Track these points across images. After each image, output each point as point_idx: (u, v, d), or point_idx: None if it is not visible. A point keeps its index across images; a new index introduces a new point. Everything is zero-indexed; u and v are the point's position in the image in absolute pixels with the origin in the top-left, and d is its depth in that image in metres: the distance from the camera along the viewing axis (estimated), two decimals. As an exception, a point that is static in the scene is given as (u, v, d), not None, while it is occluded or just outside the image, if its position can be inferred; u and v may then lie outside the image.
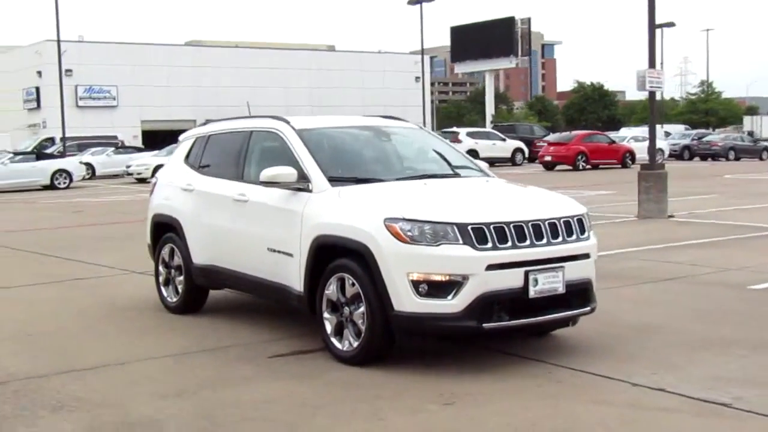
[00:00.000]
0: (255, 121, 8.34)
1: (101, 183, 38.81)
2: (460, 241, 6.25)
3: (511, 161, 45.03)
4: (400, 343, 6.74)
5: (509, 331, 6.64)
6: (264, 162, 7.73)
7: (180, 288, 8.73)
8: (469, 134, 45.19)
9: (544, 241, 6.52)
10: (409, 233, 6.28)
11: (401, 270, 6.27)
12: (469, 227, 6.29)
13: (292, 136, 7.56)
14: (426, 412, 5.61)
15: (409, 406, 5.73)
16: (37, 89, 60.70)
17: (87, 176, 39.60)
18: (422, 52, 60.06)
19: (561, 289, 6.55)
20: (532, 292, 6.40)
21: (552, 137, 43.57)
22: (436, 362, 6.73)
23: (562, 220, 6.68)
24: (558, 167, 39.25)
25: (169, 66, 63.65)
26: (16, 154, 36.18)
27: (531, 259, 6.42)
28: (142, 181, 37.31)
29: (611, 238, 14.00)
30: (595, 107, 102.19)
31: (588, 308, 6.86)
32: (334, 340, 6.78)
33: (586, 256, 6.80)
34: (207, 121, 9.34)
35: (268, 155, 7.82)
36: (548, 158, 39.65)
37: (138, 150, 45.09)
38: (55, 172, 34.99)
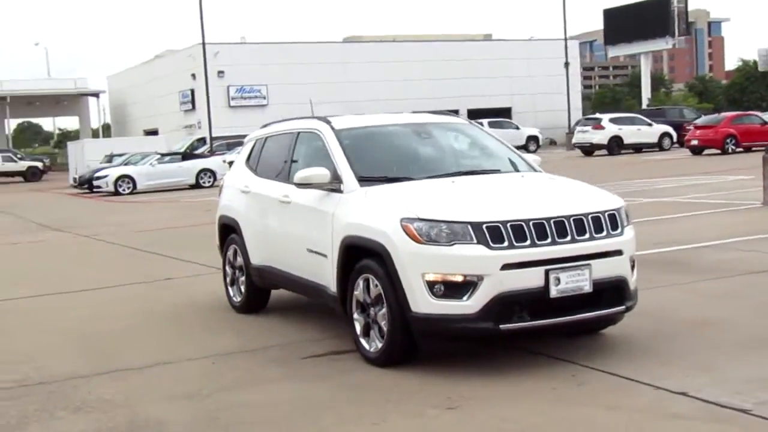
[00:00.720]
0: (302, 123, 8.40)
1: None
2: (474, 241, 6.11)
3: (658, 146, 43.47)
4: (428, 344, 6.65)
5: (531, 332, 6.42)
6: (307, 163, 7.79)
7: (242, 288, 8.91)
8: (613, 120, 43.84)
9: (568, 238, 6.27)
10: (423, 233, 6.18)
11: (416, 270, 6.18)
12: (484, 226, 6.12)
13: (330, 137, 7.59)
14: (426, 416, 5.51)
15: (413, 410, 5.64)
16: (192, 91, 63.17)
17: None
18: (565, 35, 59.08)
19: (588, 288, 6.28)
20: (554, 292, 6.17)
21: (700, 120, 41.71)
22: (453, 363, 6.57)
23: (590, 216, 6.40)
24: (706, 151, 37.60)
25: (318, 63, 64.78)
26: (163, 155, 37.74)
27: (552, 257, 6.18)
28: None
29: (722, 227, 13.37)
30: (758, 86, 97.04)
31: (622, 307, 6.55)
32: (362, 341, 6.76)
33: (618, 252, 6.49)
34: (267, 124, 9.47)
35: (310, 156, 7.86)
36: (695, 142, 38.02)
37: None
38: (199, 172, 36.36)
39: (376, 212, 6.57)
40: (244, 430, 5.48)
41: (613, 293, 6.51)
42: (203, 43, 48.20)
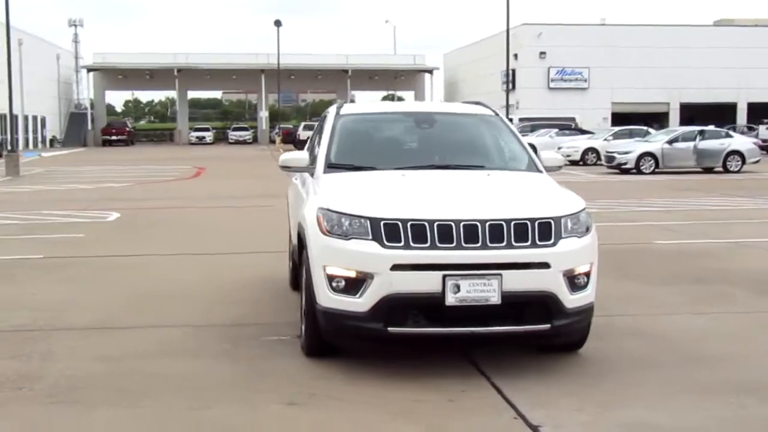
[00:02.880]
0: (332, 107, 8.47)
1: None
2: (369, 237, 5.92)
3: None
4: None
5: (425, 340, 6.09)
6: (314, 145, 7.91)
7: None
8: None
9: (478, 244, 5.85)
10: (328, 225, 6.11)
11: (320, 262, 6.12)
12: (382, 223, 5.91)
13: (329, 121, 7.66)
14: (265, 411, 5.48)
15: (261, 400, 5.64)
16: (513, 71, 63.45)
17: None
18: None
19: (495, 300, 5.85)
20: (451, 300, 5.82)
21: None
22: (381, 364, 6.40)
23: (513, 223, 5.92)
24: None
25: (644, 47, 62.35)
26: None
27: (452, 262, 5.82)
28: (573, 163, 37.57)
29: None
30: None
31: (545, 326, 5.99)
32: (302, 328, 6.78)
33: (543, 265, 5.93)
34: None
35: (319, 140, 7.94)
36: None
37: (582, 132, 45.19)
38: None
39: (311, 200, 6.57)
40: (109, 393, 5.77)
41: (535, 309, 5.97)
42: (508, 29, 47.93)
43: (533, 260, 5.93)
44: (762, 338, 7.26)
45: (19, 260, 11.59)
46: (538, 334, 6.08)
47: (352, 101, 8.35)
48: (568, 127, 47.80)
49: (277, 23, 65.63)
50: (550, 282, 5.97)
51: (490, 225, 5.90)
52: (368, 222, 5.94)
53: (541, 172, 7.22)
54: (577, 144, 38.96)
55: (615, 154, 32.42)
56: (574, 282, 6.12)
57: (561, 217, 6.09)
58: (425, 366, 6.31)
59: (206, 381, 6.03)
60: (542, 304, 5.99)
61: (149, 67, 75.70)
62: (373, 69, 79.01)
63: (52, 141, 72.17)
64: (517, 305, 5.95)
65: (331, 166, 7.11)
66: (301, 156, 7.36)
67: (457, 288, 5.81)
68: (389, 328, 5.89)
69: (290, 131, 63.74)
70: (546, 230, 5.99)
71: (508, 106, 47.25)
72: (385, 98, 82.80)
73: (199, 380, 6.05)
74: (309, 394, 5.73)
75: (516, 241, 5.92)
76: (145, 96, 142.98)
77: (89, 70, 76.08)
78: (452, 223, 5.87)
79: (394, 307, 5.87)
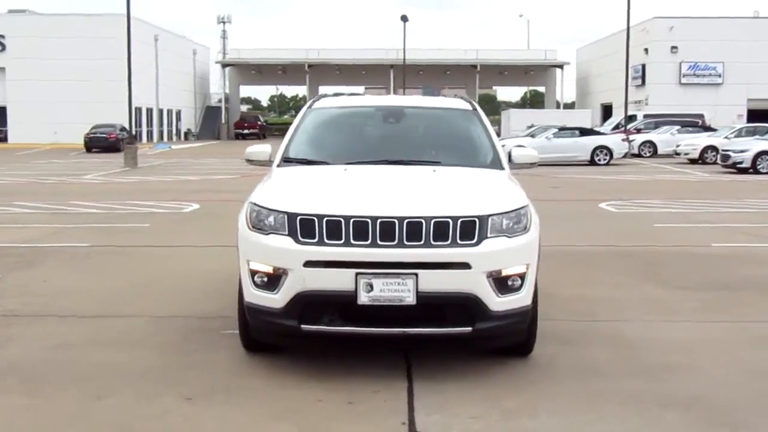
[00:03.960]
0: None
1: (647, 162, 38.43)
2: (285, 232, 5.83)
3: None
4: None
5: (340, 339, 5.95)
6: None
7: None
8: None
9: (395, 242, 5.67)
10: (252, 219, 6.06)
11: (244, 257, 6.08)
12: (298, 218, 5.81)
13: (300, 115, 7.63)
14: (154, 404, 5.46)
15: (160, 392, 5.65)
16: (643, 66, 61.60)
17: (643, 154, 39.96)
18: None
19: (410, 300, 5.65)
20: (364, 299, 5.66)
21: None
22: (300, 357, 6.32)
23: (434, 221, 5.70)
24: None
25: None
26: (561, 129, 37.68)
27: (365, 260, 5.66)
28: (693, 162, 36.24)
29: None
30: None
31: (467, 329, 5.75)
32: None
33: (464, 265, 5.69)
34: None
35: None
36: None
37: (707, 130, 43.38)
38: (595, 149, 35.78)
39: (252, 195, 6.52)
40: (33, 382, 5.90)
41: (455, 311, 5.74)
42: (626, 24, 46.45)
43: (452, 260, 5.70)
44: (742, 350, 6.76)
45: (62, 248, 12.01)
46: (459, 337, 5.83)
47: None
48: (693, 124, 45.98)
49: (404, 18, 65.68)
50: (472, 283, 5.72)
51: (408, 223, 5.70)
52: (285, 217, 5.85)
53: (502, 169, 6.94)
54: (696, 142, 37.46)
55: (730, 153, 30.96)
56: (504, 284, 5.85)
57: (488, 215, 5.82)
58: (358, 365, 6.16)
59: (126, 371, 6.08)
60: (463, 306, 5.74)
61: (282, 62, 77.26)
62: (503, 64, 78.10)
63: (186, 134, 74.71)
64: (435, 306, 5.73)
65: (286, 160, 7.09)
66: (264, 149, 7.33)
67: (370, 287, 5.64)
68: (302, 326, 5.78)
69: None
70: (469, 229, 5.74)
71: (627, 102, 45.77)
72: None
73: (120, 370, 6.10)
74: (212, 388, 5.69)
75: (435, 240, 5.70)
76: (290, 91, 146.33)
77: (224, 65, 78.32)
78: (368, 220, 5.71)
79: (307, 304, 5.75)
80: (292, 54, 76.45)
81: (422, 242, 5.67)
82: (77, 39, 58.66)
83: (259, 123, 76.56)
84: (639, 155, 41.33)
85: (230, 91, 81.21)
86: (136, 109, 59.33)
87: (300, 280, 5.73)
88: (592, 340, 7.02)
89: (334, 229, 5.71)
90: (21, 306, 8.15)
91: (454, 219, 5.74)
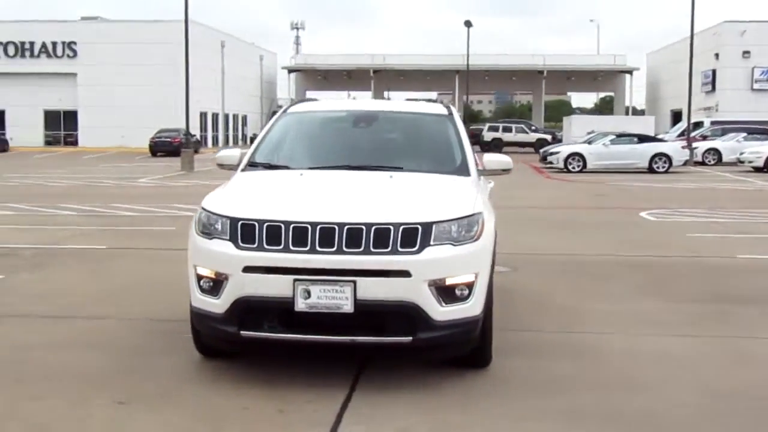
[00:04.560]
0: None
1: (710, 170, 37.49)
2: (227, 237, 5.76)
3: None
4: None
5: (280, 346, 5.84)
6: None
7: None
8: None
9: (333, 248, 5.55)
10: (199, 224, 6.01)
11: (191, 261, 6.03)
12: (240, 223, 5.73)
13: (273, 119, 7.58)
14: (83, 407, 5.43)
15: (94, 396, 5.60)
16: (713, 72, 60.24)
17: (707, 161, 39.08)
18: None
19: (348, 308, 5.52)
20: (302, 305, 5.55)
21: None
22: (254, 362, 6.25)
23: (375, 228, 5.56)
24: None
25: None
26: (619, 136, 36.99)
27: (303, 267, 5.55)
28: (758, 170, 35.20)
29: None
30: None
31: (406, 339, 5.58)
32: None
33: (404, 273, 5.53)
34: None
35: None
36: None
37: (777, 137, 42.04)
38: (654, 156, 35.03)
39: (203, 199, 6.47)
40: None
41: (395, 320, 5.60)
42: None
43: (391, 268, 5.54)
44: (718, 367, 6.47)
45: (77, 250, 12.18)
46: (398, 347, 5.67)
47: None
48: (762, 131, 44.61)
49: (467, 24, 65.39)
50: (412, 292, 5.55)
51: (348, 229, 5.57)
52: (228, 222, 5.79)
53: (468, 175, 6.76)
54: (761, 149, 36.31)
55: (791, 161, 29.99)
56: (449, 293, 5.67)
57: (433, 222, 5.65)
58: (309, 373, 6.05)
59: (71, 374, 6.06)
60: (403, 315, 5.58)
61: (347, 67, 77.65)
62: (571, 70, 77.17)
63: (252, 138, 75.51)
64: (374, 315, 5.58)
65: (251, 165, 7.04)
66: (233, 153, 7.29)
67: (308, 294, 5.53)
68: (242, 332, 5.69)
69: (475, 133, 63.37)
70: (411, 236, 5.59)
71: (690, 108, 44.65)
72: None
73: (66, 373, 6.10)
74: (148, 393, 5.64)
75: (375, 247, 5.55)
76: (364, 97, 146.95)
77: (290, 70, 79.02)
78: (308, 226, 5.60)
79: (247, 310, 5.67)
80: (357, 60, 76.78)
81: (362, 249, 5.54)
82: (145, 45, 59.77)
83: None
84: (703, 163, 40.32)
85: (296, 96, 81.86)
86: (201, 114, 60.38)
87: (239, 286, 5.65)
88: (564, 353, 6.79)
89: (274, 234, 5.62)
90: (5, 306, 8.23)
91: (396, 226, 5.59)
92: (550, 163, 36.31)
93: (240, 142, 72.01)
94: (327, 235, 5.56)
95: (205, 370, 6.18)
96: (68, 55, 61.92)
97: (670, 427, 5.21)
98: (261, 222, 5.67)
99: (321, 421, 5.17)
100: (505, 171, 7.16)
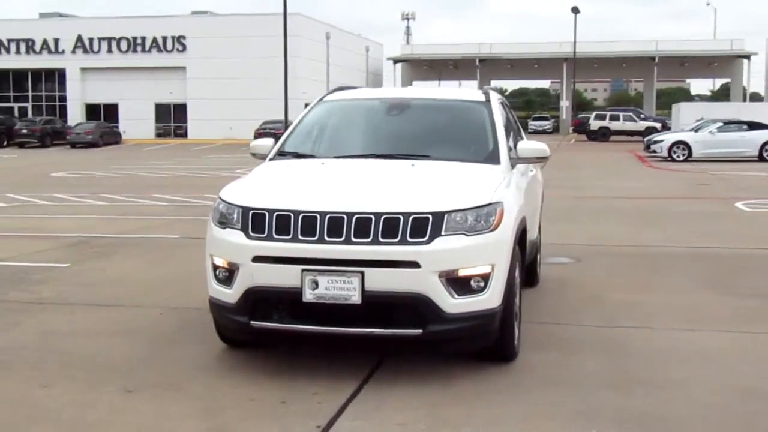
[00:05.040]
0: None
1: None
2: (239, 227, 5.74)
3: None
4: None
5: (290, 337, 5.79)
6: None
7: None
8: None
9: (341, 238, 5.47)
10: (216, 213, 6.01)
11: (208, 251, 6.05)
12: (251, 213, 5.71)
13: (308, 107, 7.54)
14: (91, 394, 5.49)
15: (103, 384, 5.66)
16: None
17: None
18: None
19: (356, 299, 5.43)
20: (309, 296, 5.48)
21: None
22: (270, 352, 6.23)
23: (384, 217, 5.45)
24: None
25: None
26: (727, 123, 35.62)
27: (311, 257, 5.48)
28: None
29: None
30: None
31: (416, 331, 5.45)
32: None
33: (413, 264, 5.40)
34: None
35: None
36: None
37: None
38: (765, 144, 33.68)
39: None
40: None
41: (405, 312, 5.47)
42: None
43: (400, 258, 5.41)
44: (752, 364, 6.11)
45: (148, 239, 12.48)
46: (408, 339, 5.54)
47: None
48: None
49: (575, 10, 64.25)
50: (421, 283, 5.42)
51: (357, 219, 5.47)
52: (240, 211, 5.77)
53: (497, 164, 6.55)
54: None
55: None
56: (462, 285, 5.51)
57: (445, 212, 5.49)
58: (327, 363, 5.99)
59: (93, 361, 6.16)
60: (413, 307, 5.45)
61: (453, 57, 77.30)
62: (684, 55, 74.82)
63: (358, 129, 75.89)
64: (382, 306, 5.47)
65: (280, 154, 7.00)
66: (265, 143, 7.26)
67: (315, 284, 5.46)
68: (252, 322, 5.67)
69: (582, 121, 62.18)
70: (421, 226, 5.45)
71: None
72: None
73: (87, 360, 6.19)
74: (160, 382, 5.67)
75: (384, 237, 5.44)
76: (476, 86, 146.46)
77: (395, 61, 79.10)
78: (317, 215, 5.52)
79: (257, 300, 5.64)
80: (463, 49, 76.35)
81: (370, 239, 5.43)
82: (250, 38, 60.74)
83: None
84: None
85: (404, 87, 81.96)
86: (306, 105, 60.98)
87: (249, 276, 5.62)
88: (596, 348, 6.54)
89: (283, 224, 5.57)
90: (54, 294, 8.45)
91: (406, 215, 5.46)
92: (654, 152, 35.32)
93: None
94: (335, 225, 5.47)
95: (225, 360, 6.19)
96: (178, 50, 63.54)
97: (686, 428, 4.93)
98: (271, 211, 5.62)
99: (320, 414, 5.09)
100: (541, 159, 6.92)
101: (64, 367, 6.03)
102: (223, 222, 5.86)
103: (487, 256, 5.60)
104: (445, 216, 5.48)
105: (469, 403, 5.29)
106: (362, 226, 5.44)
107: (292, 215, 5.56)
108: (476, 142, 6.88)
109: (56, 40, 64.41)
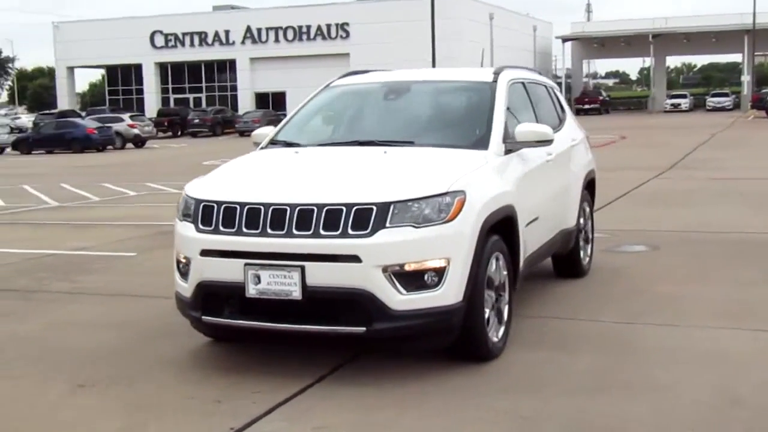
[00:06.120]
0: None
1: None
2: (191, 219, 5.62)
3: None
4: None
5: (240, 333, 5.63)
6: None
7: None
8: None
9: (283, 231, 5.24)
10: (180, 207, 5.91)
11: (175, 247, 5.95)
12: (202, 204, 5.56)
13: (313, 94, 7.31)
14: (42, 387, 5.49)
15: (60, 378, 5.65)
16: None
17: None
18: None
19: (297, 295, 5.18)
20: (252, 291, 5.29)
21: None
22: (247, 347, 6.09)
23: (326, 209, 5.17)
24: None
25: None
26: None
27: (253, 250, 5.28)
28: None
29: None
30: None
31: (359, 329, 5.13)
32: None
33: (353, 258, 5.09)
34: None
35: None
36: None
37: None
38: None
39: None
40: None
41: (349, 309, 5.18)
42: None
43: (340, 252, 5.11)
44: (755, 368, 5.42)
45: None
46: (351, 337, 5.22)
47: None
48: None
49: (754, -22, 60.45)
50: (363, 278, 5.09)
51: (299, 210, 5.21)
52: (193, 203, 5.64)
53: (484, 149, 6.09)
54: None
55: None
56: (412, 280, 5.15)
57: (390, 203, 5.13)
58: (296, 359, 5.77)
59: (65, 354, 6.15)
60: (356, 304, 5.14)
61: (625, 33, 74.69)
62: None
63: (526, 111, 74.69)
64: (325, 302, 5.19)
65: (273, 143, 6.82)
66: (265, 132, 7.10)
67: (258, 279, 5.25)
68: (203, 317, 5.54)
69: (761, 96, 58.56)
70: (363, 218, 5.12)
71: None
72: None
73: (61, 352, 6.20)
74: (114, 377, 5.61)
75: (325, 230, 5.15)
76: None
77: (564, 40, 77.18)
78: (261, 207, 5.31)
79: (207, 295, 5.50)
80: (636, 25, 73.63)
81: (311, 232, 5.17)
82: (413, 22, 60.59)
83: (601, 98, 74.50)
84: None
85: (573, 66, 79.99)
86: (468, 88, 60.51)
87: (199, 270, 5.50)
88: (597, 346, 6.02)
89: (230, 216, 5.39)
90: (96, 285, 8.58)
91: (348, 206, 5.15)
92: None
93: (511, 115, 71.49)
94: (278, 217, 5.25)
95: (198, 355, 6.07)
96: (341, 36, 64.50)
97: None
98: (219, 204, 5.46)
99: (245, 414, 4.87)
100: (541, 143, 6.38)
101: (38, 360, 6.06)
102: (185, 215, 5.74)
103: (441, 249, 5.21)
104: (391, 207, 5.14)
105: (403, 408, 4.93)
106: (305, 219, 5.19)
107: (238, 207, 5.37)
108: (468, 127, 6.44)
109: (227, 32, 66.85)
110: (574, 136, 8.15)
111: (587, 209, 8.39)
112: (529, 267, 6.71)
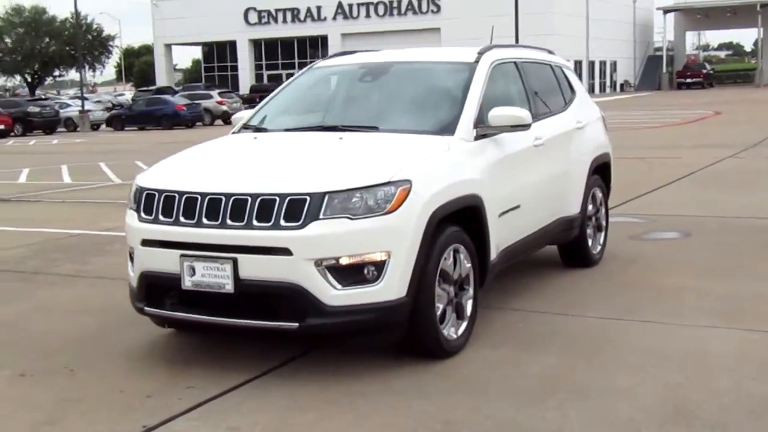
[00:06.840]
0: None
1: None
2: (134, 208, 5.49)
3: None
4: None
5: (182, 326, 5.48)
6: None
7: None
8: None
9: (217, 222, 5.05)
10: (130, 195, 5.77)
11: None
12: (144, 193, 5.43)
13: (293, 77, 7.12)
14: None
15: (7, 366, 5.61)
16: None
17: None
18: None
19: (229, 288, 4.99)
20: (188, 283, 5.13)
21: None
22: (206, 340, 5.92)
23: (260, 199, 4.96)
24: None
25: None
26: None
27: (188, 241, 5.11)
28: None
29: None
30: None
31: (291, 325, 4.91)
32: None
33: (284, 251, 4.86)
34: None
35: None
36: None
37: None
38: None
39: None
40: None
41: (281, 303, 4.96)
42: None
43: (271, 244, 4.89)
44: (741, 370, 4.98)
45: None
46: (284, 333, 4.99)
47: None
48: None
49: None
50: (295, 272, 4.85)
51: (234, 200, 5.01)
52: (137, 192, 5.50)
53: (450, 134, 5.75)
54: None
55: None
56: (350, 274, 4.90)
57: (324, 193, 4.87)
58: (256, 353, 5.58)
59: (26, 340, 6.13)
60: (288, 298, 4.91)
61: (731, 3, 71.87)
62: None
63: (623, 85, 72.82)
64: (257, 296, 4.98)
65: (245, 127, 6.63)
66: (242, 115, 6.92)
67: (193, 270, 5.08)
68: (146, 308, 5.41)
69: None
70: (296, 209, 4.88)
71: None
72: None
73: (23, 338, 6.18)
74: (57, 366, 5.51)
75: (258, 221, 4.94)
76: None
77: (665, 11, 74.72)
78: (198, 197, 5.13)
79: (149, 285, 5.38)
80: (742, -6, 70.78)
81: (244, 223, 4.96)
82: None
83: (704, 71, 71.99)
84: None
85: (675, 39, 77.45)
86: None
87: (141, 260, 5.38)
88: (566, 345, 5.65)
89: (168, 205, 5.23)
90: (105, 267, 8.58)
91: (282, 196, 4.92)
92: None
93: (608, 89, 69.83)
94: (214, 207, 5.06)
95: (151, 345, 5.93)
96: (432, 11, 63.90)
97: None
98: (160, 192, 5.30)
99: (164, 411, 4.69)
100: (516, 127, 5.99)
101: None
102: (131, 204, 5.61)
103: (381, 242, 4.93)
104: (325, 197, 4.88)
105: (330, 411, 4.68)
106: (238, 209, 4.99)
107: (176, 196, 5.21)
108: (437, 111, 6.10)
109: (318, 8, 67.03)
110: (581, 119, 7.68)
111: (599, 195, 7.93)
112: (512, 259, 6.36)
